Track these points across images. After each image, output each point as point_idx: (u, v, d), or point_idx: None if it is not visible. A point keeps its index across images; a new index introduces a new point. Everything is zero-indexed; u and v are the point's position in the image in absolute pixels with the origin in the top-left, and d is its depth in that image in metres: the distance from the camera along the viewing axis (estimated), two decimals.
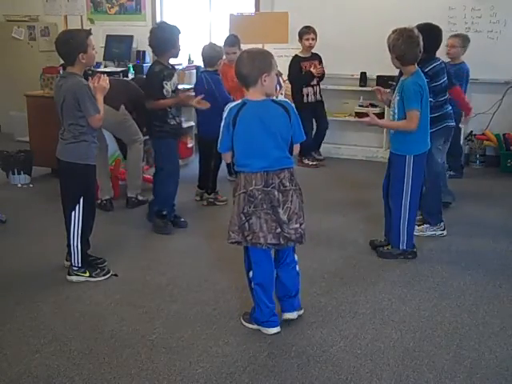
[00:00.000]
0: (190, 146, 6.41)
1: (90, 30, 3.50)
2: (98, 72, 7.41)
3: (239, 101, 2.81)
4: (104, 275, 3.57)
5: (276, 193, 2.76)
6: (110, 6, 7.89)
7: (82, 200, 3.44)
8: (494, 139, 6.37)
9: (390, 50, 3.66)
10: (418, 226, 4.29)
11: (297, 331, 2.98)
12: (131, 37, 7.47)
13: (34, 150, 5.76)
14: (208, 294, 3.39)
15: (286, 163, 2.81)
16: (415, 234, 4.24)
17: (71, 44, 3.31)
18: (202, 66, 5.03)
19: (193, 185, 5.19)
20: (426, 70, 4.01)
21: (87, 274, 3.55)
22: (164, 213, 4.37)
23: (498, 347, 2.85)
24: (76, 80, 3.34)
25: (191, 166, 6.21)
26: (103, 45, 7.71)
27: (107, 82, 3.45)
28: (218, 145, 2.87)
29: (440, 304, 3.29)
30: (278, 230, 2.78)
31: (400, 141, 3.75)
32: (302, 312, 3.12)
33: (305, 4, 6.76)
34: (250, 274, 2.94)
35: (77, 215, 3.45)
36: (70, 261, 3.56)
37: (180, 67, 7.02)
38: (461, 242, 4.22)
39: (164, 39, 4.14)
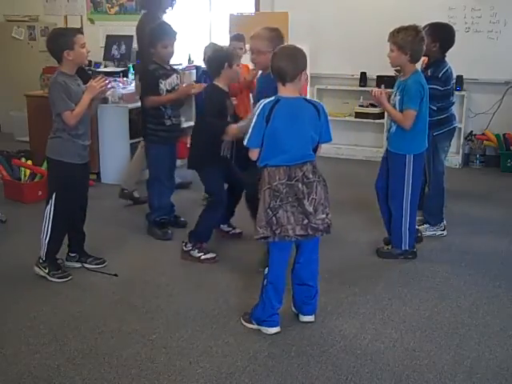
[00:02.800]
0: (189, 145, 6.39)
1: (80, 28, 3.52)
2: (98, 72, 7.45)
3: (272, 97, 2.80)
4: (60, 278, 3.53)
5: (300, 185, 2.81)
6: (110, 5, 7.89)
7: (53, 196, 3.48)
8: (494, 139, 6.37)
9: (399, 48, 3.60)
10: (419, 226, 4.29)
11: (297, 331, 2.98)
12: (131, 37, 7.46)
13: (34, 150, 5.76)
14: (208, 293, 3.39)
15: (309, 157, 2.86)
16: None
17: (57, 42, 3.37)
18: (204, 65, 5.01)
19: (192, 184, 5.18)
20: (440, 74, 4.04)
21: (46, 271, 3.54)
22: (161, 220, 4.32)
23: (497, 347, 2.85)
24: (54, 77, 3.39)
25: None
26: (103, 45, 7.71)
27: (101, 84, 3.45)
28: (246, 140, 2.83)
29: (440, 304, 3.29)
30: (306, 221, 2.82)
31: (400, 140, 3.75)
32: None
33: (305, 4, 6.76)
34: (266, 270, 2.94)
35: (49, 210, 3.50)
36: (39, 252, 3.55)
37: (180, 67, 7.02)
38: (461, 242, 4.22)
39: (143, 39, 4.14)
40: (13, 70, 7.74)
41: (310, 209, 2.82)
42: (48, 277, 3.53)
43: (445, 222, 4.34)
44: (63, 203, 3.50)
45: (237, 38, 5.16)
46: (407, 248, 3.88)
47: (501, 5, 6.21)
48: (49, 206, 3.50)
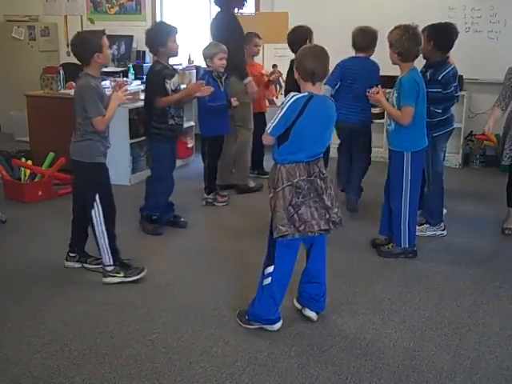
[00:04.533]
0: (190, 146, 6.41)
1: (104, 30, 3.52)
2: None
3: (305, 93, 2.82)
4: (138, 274, 3.51)
5: (319, 181, 2.86)
6: (110, 5, 7.89)
7: (97, 197, 3.43)
8: (493, 139, 6.36)
9: (390, 46, 3.66)
10: (419, 225, 4.30)
11: (297, 331, 2.98)
12: (131, 37, 7.48)
13: (34, 149, 5.76)
14: (208, 293, 3.39)
15: (322, 153, 2.94)
16: (416, 233, 4.24)
17: (86, 45, 3.33)
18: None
19: (192, 184, 5.19)
20: (440, 77, 4.03)
21: (121, 274, 3.49)
22: (154, 217, 4.36)
23: (497, 347, 2.85)
24: (85, 80, 3.36)
25: (191, 166, 6.22)
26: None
27: (126, 93, 3.52)
28: (271, 129, 2.82)
29: (440, 304, 3.29)
30: (327, 215, 2.87)
31: (398, 137, 3.75)
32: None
33: (305, 4, 6.77)
34: (270, 268, 2.91)
35: (97, 213, 3.43)
36: (102, 262, 3.50)
37: (180, 67, 7.02)
38: (461, 242, 4.23)
39: (151, 38, 4.14)
40: (13, 70, 7.74)
41: (329, 203, 2.87)
42: (126, 279, 3.47)
43: (444, 221, 4.35)
44: (107, 202, 3.49)
45: (256, 35, 5.52)
46: (407, 246, 3.88)
47: (501, 5, 6.21)
48: (95, 210, 3.42)
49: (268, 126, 2.85)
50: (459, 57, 4.86)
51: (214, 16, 5.38)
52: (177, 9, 7.83)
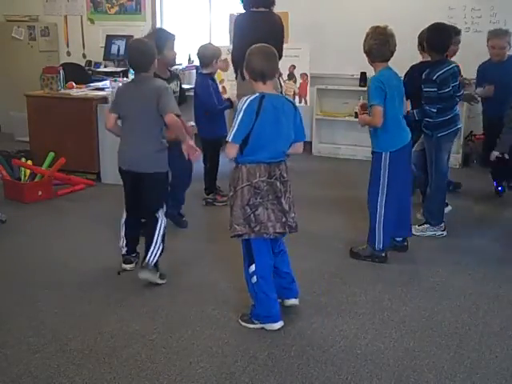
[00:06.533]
0: None
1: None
2: (98, 72, 7.46)
3: (256, 94, 2.84)
4: (164, 279, 3.54)
5: (278, 184, 2.87)
6: (109, 5, 7.89)
7: (165, 207, 3.53)
8: None
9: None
10: (419, 225, 4.29)
11: (297, 331, 2.98)
12: (131, 37, 7.46)
13: (34, 149, 5.76)
14: (208, 293, 3.39)
15: (283, 156, 2.93)
16: (416, 233, 4.25)
17: (147, 55, 3.40)
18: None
19: (192, 185, 5.18)
20: (434, 77, 4.02)
21: (157, 275, 3.48)
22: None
23: (497, 347, 2.85)
24: (161, 81, 3.48)
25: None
26: (103, 45, 7.72)
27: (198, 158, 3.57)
28: (231, 136, 2.82)
29: (440, 304, 3.29)
30: (284, 219, 2.89)
31: (376, 138, 3.76)
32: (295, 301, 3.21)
33: (305, 4, 6.76)
34: (252, 267, 2.94)
35: (162, 222, 3.49)
36: (145, 257, 3.47)
37: (180, 67, 7.02)
38: (461, 242, 4.22)
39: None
40: (13, 70, 7.74)
41: (286, 207, 2.90)
42: (158, 281, 3.48)
43: (445, 222, 4.35)
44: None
45: None
46: (381, 248, 3.82)
47: (501, 5, 6.21)
48: (162, 219, 3.49)
49: (228, 136, 2.83)
50: (459, 57, 4.87)
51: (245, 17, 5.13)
52: (177, 9, 7.83)
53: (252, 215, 2.83)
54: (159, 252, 3.49)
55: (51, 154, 5.27)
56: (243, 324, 3.03)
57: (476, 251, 4.06)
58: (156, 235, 3.48)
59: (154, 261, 3.47)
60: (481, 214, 4.86)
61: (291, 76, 6.46)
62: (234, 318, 3.09)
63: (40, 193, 5.09)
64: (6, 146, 6.13)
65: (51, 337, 2.91)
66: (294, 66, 6.45)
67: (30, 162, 5.29)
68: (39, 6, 8.13)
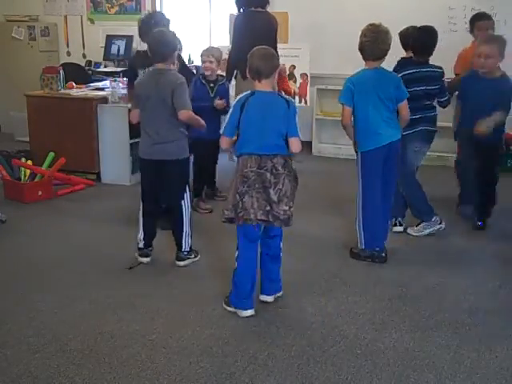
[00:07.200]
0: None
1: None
2: (98, 72, 7.46)
3: (248, 91, 3.07)
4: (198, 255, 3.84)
5: (268, 175, 2.99)
6: (109, 5, 7.89)
7: (188, 190, 3.71)
8: None
9: None
10: (416, 226, 4.29)
11: (297, 331, 2.98)
12: (131, 37, 7.48)
13: (34, 149, 5.76)
14: (208, 293, 3.39)
15: (279, 150, 3.04)
16: (415, 234, 4.24)
17: (171, 45, 3.56)
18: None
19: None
20: (400, 75, 4.01)
21: (193, 256, 3.78)
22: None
23: (497, 347, 2.85)
24: (178, 76, 3.56)
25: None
26: (103, 45, 7.72)
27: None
28: (222, 129, 3.12)
29: (440, 304, 3.29)
30: (268, 208, 3.00)
31: (356, 138, 3.83)
32: (280, 294, 3.31)
33: (305, 4, 6.77)
34: (236, 253, 3.13)
35: (186, 201, 3.68)
36: (180, 246, 3.72)
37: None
38: (460, 242, 4.23)
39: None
40: (13, 70, 7.74)
41: (275, 198, 3.00)
42: (195, 259, 3.79)
43: (438, 215, 4.32)
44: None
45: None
46: (363, 247, 3.84)
47: (501, 5, 6.21)
48: (185, 199, 3.68)
49: (221, 129, 3.14)
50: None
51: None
52: (177, 9, 7.83)
53: (240, 202, 3.00)
54: (190, 237, 3.73)
55: (51, 154, 5.27)
56: (223, 305, 3.18)
57: (476, 251, 4.06)
58: (185, 223, 3.68)
59: (189, 245, 3.74)
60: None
61: (291, 76, 6.47)
62: (234, 318, 3.09)
63: (40, 193, 5.09)
64: (5, 146, 6.13)
65: (51, 337, 2.91)
66: (294, 66, 6.46)
67: (30, 162, 5.29)
68: (39, 5, 8.13)
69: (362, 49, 3.71)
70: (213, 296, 3.35)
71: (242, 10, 5.15)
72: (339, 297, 3.36)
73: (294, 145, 3.07)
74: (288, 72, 6.38)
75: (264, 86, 3.06)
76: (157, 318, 3.10)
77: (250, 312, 3.12)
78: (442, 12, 6.20)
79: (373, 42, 3.63)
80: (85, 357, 2.74)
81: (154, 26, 4.08)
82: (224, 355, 2.77)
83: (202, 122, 3.66)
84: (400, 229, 4.36)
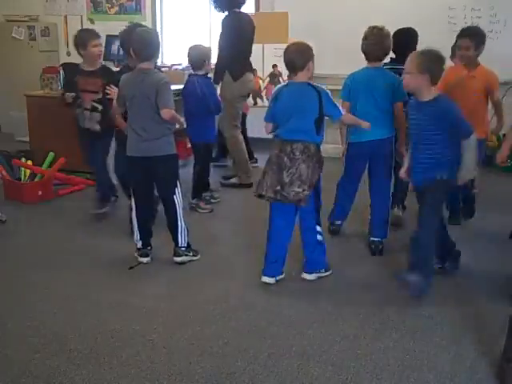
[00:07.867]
0: (189, 145, 6.38)
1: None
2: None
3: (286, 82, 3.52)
4: (197, 254, 3.84)
5: (285, 158, 3.27)
6: (109, 6, 7.89)
7: (179, 185, 3.73)
8: (494, 139, 6.36)
9: None
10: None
11: (297, 331, 2.98)
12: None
13: (34, 149, 5.76)
14: (208, 293, 3.39)
15: (302, 136, 3.30)
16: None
17: (154, 45, 3.58)
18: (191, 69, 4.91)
19: (190, 186, 5.18)
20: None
21: (191, 254, 3.80)
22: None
23: (497, 347, 2.84)
24: (161, 76, 3.63)
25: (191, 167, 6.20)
26: (103, 45, 7.70)
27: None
28: (265, 115, 3.46)
29: (440, 304, 3.29)
30: (278, 187, 3.26)
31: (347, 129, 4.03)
32: (325, 273, 3.56)
33: (305, 4, 6.76)
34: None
35: (178, 196, 3.70)
36: (177, 242, 3.74)
37: (180, 67, 7.03)
38: (460, 242, 4.21)
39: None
40: (13, 70, 7.73)
41: (286, 180, 3.25)
42: (194, 258, 3.80)
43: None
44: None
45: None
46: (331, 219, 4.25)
47: (501, 5, 6.21)
48: (177, 194, 3.70)
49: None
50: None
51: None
52: (177, 9, 7.83)
53: (263, 179, 3.34)
54: (186, 232, 3.76)
55: (51, 154, 5.26)
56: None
57: (475, 251, 4.06)
58: (179, 218, 3.71)
59: (186, 241, 3.75)
60: (480, 214, 4.84)
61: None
62: (234, 318, 3.09)
63: (40, 193, 5.09)
64: (5, 146, 6.12)
65: (51, 337, 2.91)
66: None
67: (29, 162, 5.29)
68: (39, 6, 8.13)
69: (363, 50, 3.83)
70: (213, 296, 3.35)
71: (226, 12, 5.21)
72: (339, 297, 3.36)
73: (339, 123, 3.58)
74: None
75: (299, 77, 3.32)
76: (157, 318, 3.10)
77: (267, 279, 3.42)
78: (442, 12, 6.19)
79: (374, 44, 3.75)
80: (85, 357, 2.75)
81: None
82: (224, 355, 2.77)
83: (182, 119, 3.80)
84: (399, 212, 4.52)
